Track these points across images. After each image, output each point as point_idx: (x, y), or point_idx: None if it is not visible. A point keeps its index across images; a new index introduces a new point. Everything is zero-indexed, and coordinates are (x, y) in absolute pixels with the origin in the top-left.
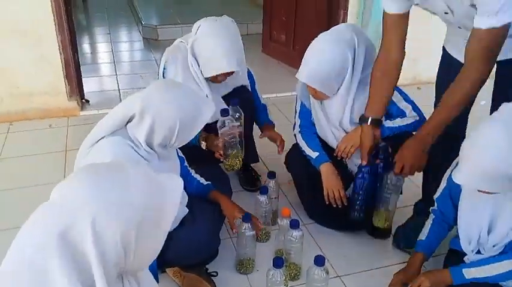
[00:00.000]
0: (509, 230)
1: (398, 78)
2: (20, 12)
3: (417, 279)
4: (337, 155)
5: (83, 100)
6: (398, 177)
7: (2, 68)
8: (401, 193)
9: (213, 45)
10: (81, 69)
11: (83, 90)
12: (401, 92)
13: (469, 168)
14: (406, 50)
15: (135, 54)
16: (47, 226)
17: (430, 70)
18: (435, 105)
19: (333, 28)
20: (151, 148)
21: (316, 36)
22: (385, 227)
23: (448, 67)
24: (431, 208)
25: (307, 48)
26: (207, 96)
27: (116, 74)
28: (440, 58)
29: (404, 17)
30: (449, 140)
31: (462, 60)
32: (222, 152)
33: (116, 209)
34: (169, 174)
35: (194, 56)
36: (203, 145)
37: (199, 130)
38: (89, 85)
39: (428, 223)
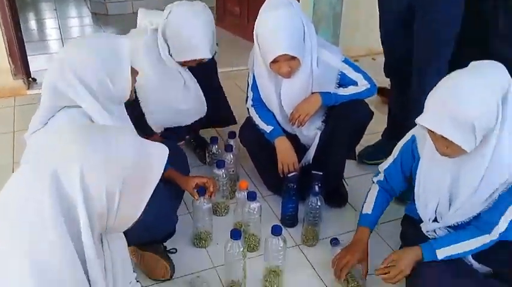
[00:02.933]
0: (468, 200)
1: None
2: None
3: (390, 260)
4: (291, 122)
5: (30, 79)
6: (317, 208)
7: None
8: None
9: (187, 33)
10: (28, 47)
11: (29, 69)
12: (350, 64)
13: (434, 109)
14: (361, 22)
15: (84, 30)
16: (39, 166)
17: None
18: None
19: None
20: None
21: None
22: (312, 244)
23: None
24: (376, 179)
25: (263, 29)
26: (184, 83)
27: None
28: None
29: None
30: None
31: None
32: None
33: (104, 163)
34: (157, 143)
35: (165, 40)
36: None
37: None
38: (36, 63)
39: (373, 196)
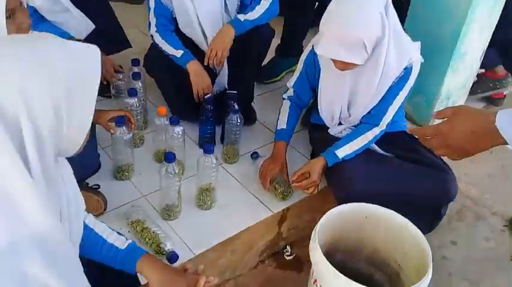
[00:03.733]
0: (366, 104)
1: None
2: None
3: (302, 172)
4: (208, 63)
5: None
6: (237, 125)
7: None
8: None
9: None
10: None
11: None
12: None
13: (327, 38)
14: None
15: None
16: None
17: None
18: None
19: None
20: None
21: None
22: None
23: None
24: (286, 95)
25: None
26: None
27: None
28: None
29: None
30: None
31: None
32: None
33: (39, 71)
34: (84, 43)
35: None
36: None
37: None
38: None
39: (285, 111)
